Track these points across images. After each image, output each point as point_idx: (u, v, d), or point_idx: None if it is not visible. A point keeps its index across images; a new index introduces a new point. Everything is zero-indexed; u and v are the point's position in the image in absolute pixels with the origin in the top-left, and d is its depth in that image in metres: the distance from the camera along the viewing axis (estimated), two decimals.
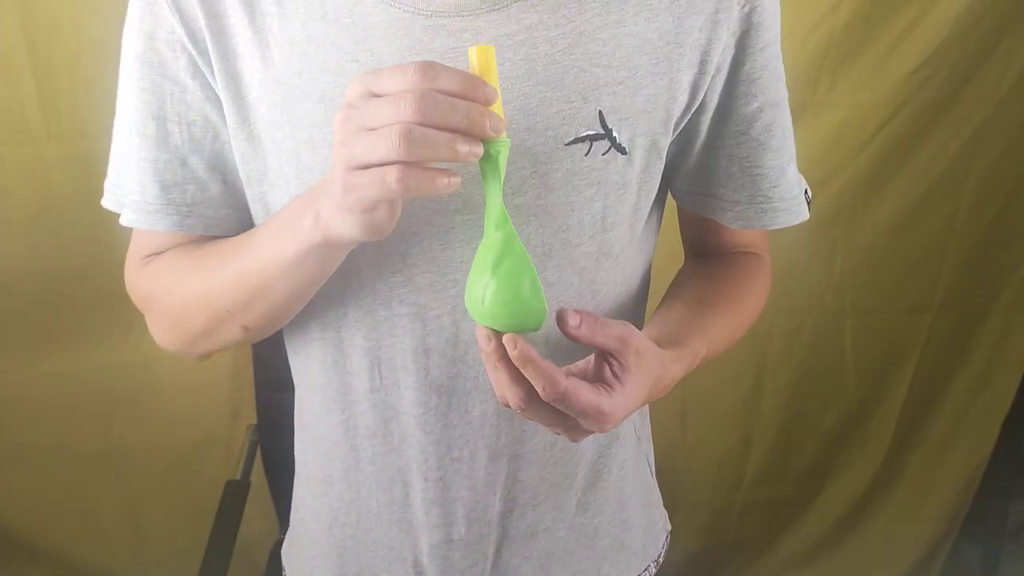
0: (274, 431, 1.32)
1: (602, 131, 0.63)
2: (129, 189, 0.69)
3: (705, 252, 0.82)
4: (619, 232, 0.68)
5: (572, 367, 0.62)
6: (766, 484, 1.76)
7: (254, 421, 1.37)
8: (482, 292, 0.55)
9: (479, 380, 0.70)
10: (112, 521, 1.53)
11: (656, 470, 0.89)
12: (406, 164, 0.49)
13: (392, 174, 0.50)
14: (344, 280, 0.68)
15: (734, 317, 0.76)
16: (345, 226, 0.55)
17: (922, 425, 1.73)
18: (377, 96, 0.51)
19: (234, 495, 1.27)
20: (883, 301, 1.61)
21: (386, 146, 0.49)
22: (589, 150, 0.63)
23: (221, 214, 0.69)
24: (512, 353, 0.54)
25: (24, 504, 1.46)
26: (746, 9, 0.64)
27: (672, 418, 1.67)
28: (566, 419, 0.58)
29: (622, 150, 0.64)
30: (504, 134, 0.53)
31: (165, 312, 0.71)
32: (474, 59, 0.54)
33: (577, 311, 0.57)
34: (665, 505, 0.91)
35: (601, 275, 0.69)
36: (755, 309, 0.79)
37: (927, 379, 1.68)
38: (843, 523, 1.80)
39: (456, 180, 0.51)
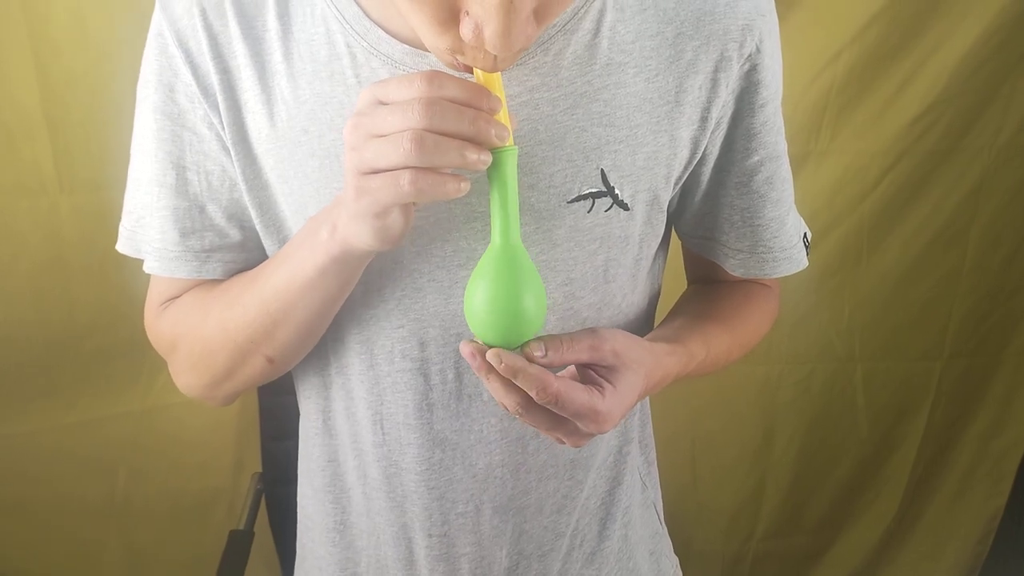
0: (279, 480, 1.31)
1: (604, 189, 0.64)
2: (150, 237, 0.70)
3: (708, 282, 0.82)
4: (621, 283, 0.69)
5: (562, 373, 0.62)
6: (779, 534, 1.73)
7: (259, 470, 1.37)
8: (475, 301, 0.57)
9: (483, 432, 0.70)
10: (115, 572, 1.50)
11: (667, 519, 0.88)
12: (418, 168, 0.51)
13: (405, 177, 0.51)
14: (349, 333, 0.69)
15: (734, 333, 0.76)
16: (359, 233, 0.56)
17: (936, 474, 1.71)
18: (385, 104, 0.53)
19: (238, 545, 1.25)
20: (892, 349, 1.60)
21: (398, 151, 0.51)
22: (592, 207, 0.64)
23: (240, 258, 0.70)
24: (499, 368, 0.55)
25: (27, 555, 1.44)
26: (746, 68, 0.65)
27: (683, 466, 1.65)
28: (565, 423, 0.59)
29: (624, 206, 0.65)
30: (511, 142, 0.54)
31: (188, 353, 0.71)
32: (479, 72, 0.55)
33: (540, 340, 0.58)
34: (677, 553, 0.89)
35: (603, 324, 0.69)
36: (757, 331, 0.79)
37: (940, 428, 1.67)
38: (858, 575, 1.76)
39: (466, 185, 0.53)
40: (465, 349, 0.57)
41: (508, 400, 0.57)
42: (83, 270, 1.30)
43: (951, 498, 1.71)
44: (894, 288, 1.55)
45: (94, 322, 1.34)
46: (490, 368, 0.56)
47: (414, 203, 0.57)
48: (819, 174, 1.45)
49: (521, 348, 0.58)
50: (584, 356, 0.60)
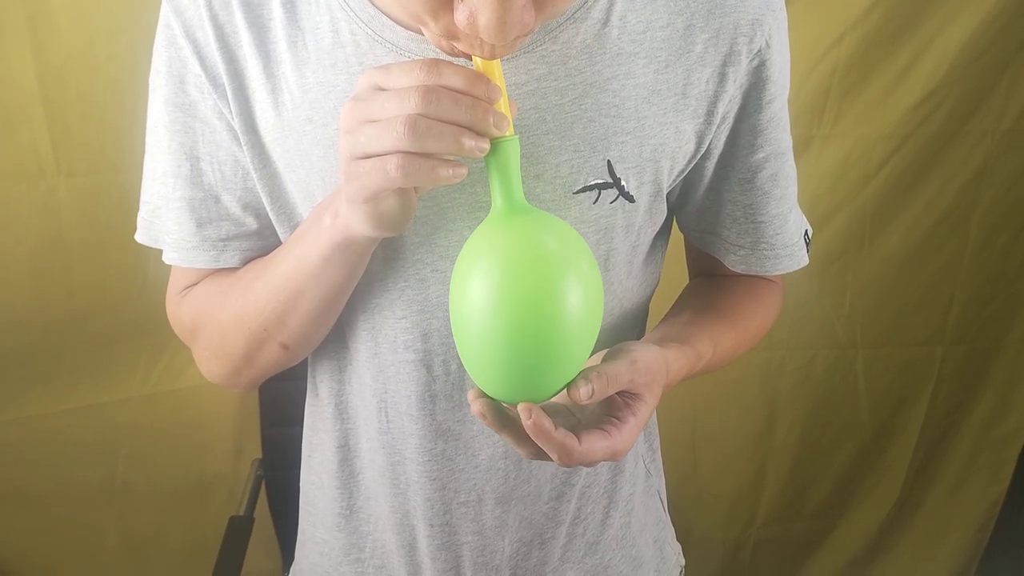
0: (279, 466, 1.31)
1: (610, 180, 0.63)
2: (167, 228, 0.69)
3: (711, 276, 0.82)
4: (618, 270, 0.68)
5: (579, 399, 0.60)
6: (780, 521, 1.74)
7: (259, 456, 1.37)
8: (478, 346, 0.52)
9: None
10: (114, 558, 1.51)
11: (668, 504, 0.88)
12: (408, 153, 0.50)
13: (393, 162, 0.50)
14: (357, 320, 0.69)
15: (739, 329, 0.75)
16: (355, 219, 0.56)
17: (937, 461, 1.71)
18: (384, 90, 0.52)
19: (238, 531, 1.26)
20: (894, 334, 1.60)
21: (391, 136, 0.50)
22: (597, 198, 0.63)
23: (257, 246, 0.70)
24: (526, 423, 0.53)
25: (27, 540, 1.45)
26: (755, 63, 0.64)
27: (684, 453, 1.65)
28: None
29: (630, 198, 0.64)
30: (511, 131, 0.53)
31: (208, 341, 0.71)
32: (478, 60, 0.54)
33: (587, 379, 0.55)
34: (679, 540, 0.89)
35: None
36: (762, 326, 0.79)
37: (941, 414, 1.67)
38: (858, 561, 1.77)
39: (461, 171, 0.52)
40: (475, 407, 0.55)
41: (522, 450, 0.56)
42: (81, 253, 1.30)
43: (952, 485, 1.72)
44: (896, 274, 1.55)
45: (93, 307, 1.33)
46: (501, 426, 0.55)
47: (415, 190, 0.56)
48: (822, 159, 1.44)
49: (568, 388, 0.54)
50: (622, 388, 0.58)
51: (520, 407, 0.53)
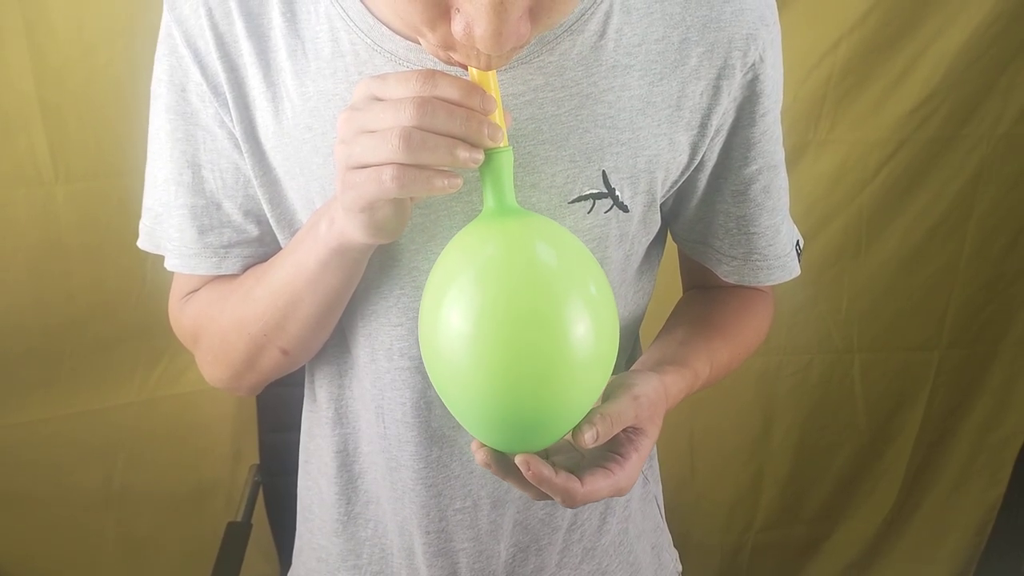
0: (277, 472, 1.31)
1: (606, 190, 0.64)
2: (169, 235, 0.70)
3: (705, 287, 0.82)
4: (611, 279, 0.69)
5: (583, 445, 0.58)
6: (778, 525, 1.74)
7: (256, 462, 1.37)
8: (460, 389, 0.47)
9: None
10: (112, 563, 1.51)
11: (665, 510, 0.88)
12: (403, 164, 0.51)
13: (388, 173, 0.51)
14: (356, 326, 0.69)
15: (735, 342, 0.76)
16: (351, 226, 0.57)
17: (934, 464, 1.71)
18: (380, 100, 0.53)
19: (235, 537, 1.26)
20: (890, 339, 1.60)
21: (387, 148, 0.51)
22: (592, 208, 0.64)
23: (259, 253, 0.70)
24: (526, 474, 0.54)
25: (25, 544, 1.45)
26: (748, 77, 0.64)
27: (681, 458, 1.65)
28: None
29: (624, 208, 0.65)
30: (505, 142, 0.53)
31: (209, 346, 0.72)
32: (473, 71, 0.54)
33: (591, 424, 0.55)
34: (676, 546, 0.89)
35: None
36: (756, 337, 0.79)
37: (938, 418, 1.67)
38: (856, 565, 1.77)
39: (456, 182, 0.52)
40: (479, 456, 0.55)
41: (527, 493, 0.57)
42: (81, 258, 1.30)
43: (949, 488, 1.72)
44: (892, 278, 1.55)
45: (92, 311, 1.34)
46: (505, 473, 0.55)
47: (410, 198, 0.56)
48: (818, 164, 1.44)
49: (573, 432, 0.53)
50: (627, 426, 0.58)
51: (518, 459, 0.53)
